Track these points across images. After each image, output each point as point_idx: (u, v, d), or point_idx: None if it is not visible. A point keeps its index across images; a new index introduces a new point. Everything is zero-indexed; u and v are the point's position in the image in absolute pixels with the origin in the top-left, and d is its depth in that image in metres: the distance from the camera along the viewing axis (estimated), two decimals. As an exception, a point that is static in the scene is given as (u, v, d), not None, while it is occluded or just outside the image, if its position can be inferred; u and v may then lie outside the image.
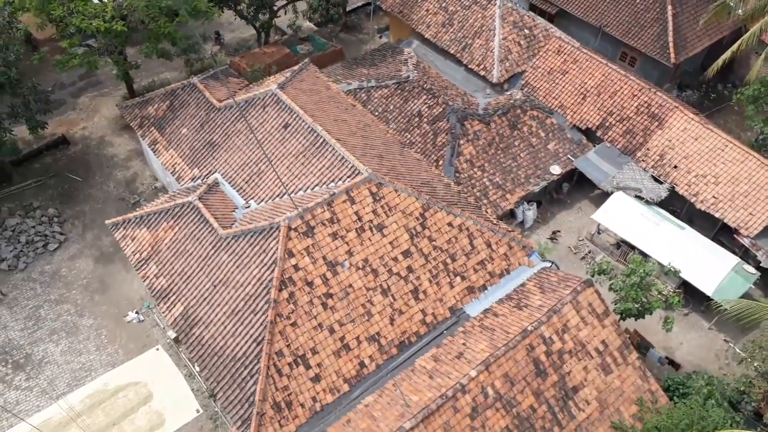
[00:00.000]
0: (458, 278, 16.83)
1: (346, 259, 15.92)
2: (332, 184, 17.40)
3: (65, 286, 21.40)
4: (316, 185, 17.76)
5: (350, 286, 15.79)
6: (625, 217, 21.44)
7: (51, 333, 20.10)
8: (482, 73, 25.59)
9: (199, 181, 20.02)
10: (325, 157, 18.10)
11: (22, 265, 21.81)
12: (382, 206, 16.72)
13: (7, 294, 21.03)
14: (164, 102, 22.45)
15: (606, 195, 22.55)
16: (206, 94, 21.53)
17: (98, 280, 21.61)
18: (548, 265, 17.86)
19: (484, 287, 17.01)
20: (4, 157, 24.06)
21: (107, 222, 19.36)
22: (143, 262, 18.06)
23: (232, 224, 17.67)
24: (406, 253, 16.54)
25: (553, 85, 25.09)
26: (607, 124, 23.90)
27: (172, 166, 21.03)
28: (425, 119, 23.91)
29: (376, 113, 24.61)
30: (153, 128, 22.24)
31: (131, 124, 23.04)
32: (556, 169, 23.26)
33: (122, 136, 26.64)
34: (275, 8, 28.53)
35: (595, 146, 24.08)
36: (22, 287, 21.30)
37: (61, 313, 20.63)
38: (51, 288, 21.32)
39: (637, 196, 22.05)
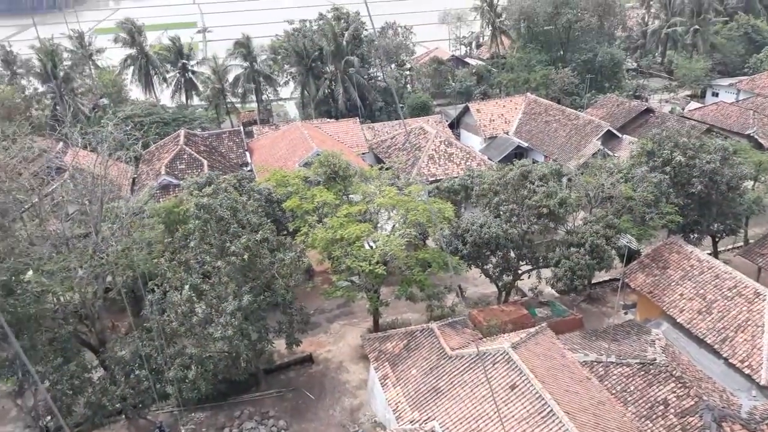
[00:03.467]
0: None
1: None
2: (554, 461, 15.80)
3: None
4: (536, 459, 16.28)
5: None
6: None
7: None
8: (747, 371, 22.36)
9: (417, 425, 19.94)
10: (550, 429, 16.79)
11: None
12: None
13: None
14: (402, 341, 23.98)
15: None
16: (441, 341, 22.50)
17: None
18: None
19: None
20: (261, 366, 27.38)
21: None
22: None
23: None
24: None
25: None
26: None
27: (396, 403, 21.51)
28: (672, 410, 21.08)
29: (614, 392, 22.58)
30: (387, 363, 23.55)
31: (369, 356, 24.78)
32: None
33: (358, 364, 28.57)
34: (519, 272, 29.96)
35: None
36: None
37: None
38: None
39: None
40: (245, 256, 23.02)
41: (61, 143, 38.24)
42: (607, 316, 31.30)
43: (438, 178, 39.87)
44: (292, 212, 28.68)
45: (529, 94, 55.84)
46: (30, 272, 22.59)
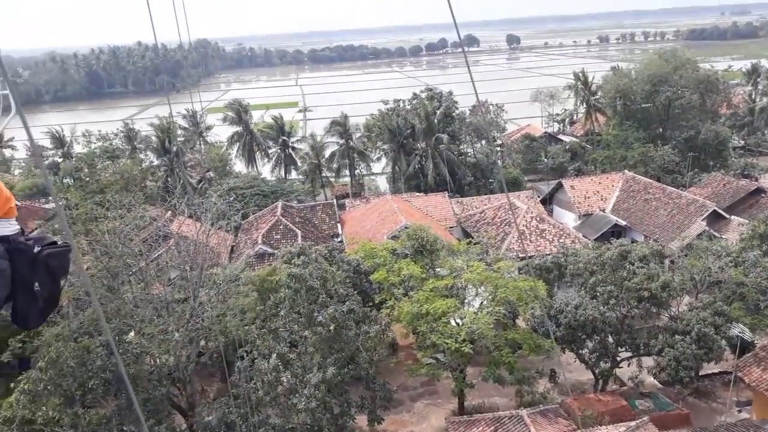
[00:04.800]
0: None
1: None
2: None
3: None
4: None
5: None
6: None
7: None
8: None
9: None
10: None
11: None
12: None
13: None
14: (489, 427, 22.74)
15: None
16: (531, 430, 21.14)
17: None
18: None
19: None
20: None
21: None
22: None
23: None
24: None
25: None
26: None
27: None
28: None
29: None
30: (471, 450, 22.32)
31: (453, 440, 23.64)
32: None
33: (440, 448, 27.33)
34: (618, 359, 28.00)
35: None
36: None
37: None
38: None
39: None
40: (331, 327, 23.15)
41: (169, 212, 41.18)
42: (718, 414, 28.28)
43: (529, 254, 38.85)
44: (379, 284, 28.78)
45: (626, 171, 54.18)
46: (131, 333, 23.85)
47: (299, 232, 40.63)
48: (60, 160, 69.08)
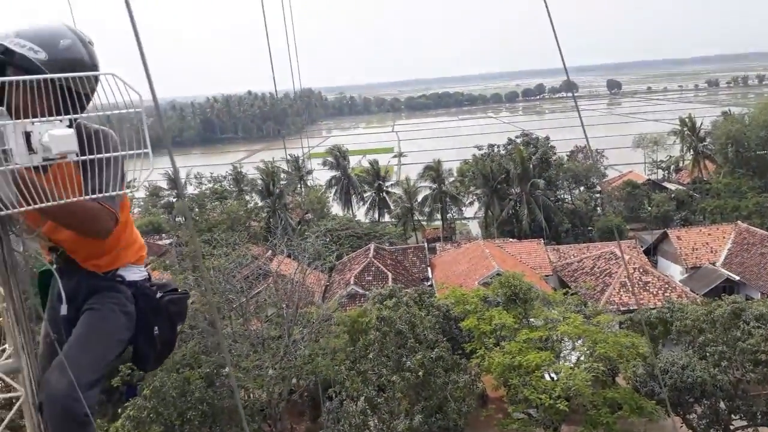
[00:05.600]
0: None
1: None
2: None
3: None
4: None
5: None
6: None
7: None
8: None
9: None
10: None
11: None
12: None
13: None
14: (584, 491, 21.32)
15: None
16: (631, 498, 19.59)
17: None
18: None
19: None
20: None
21: None
22: None
23: None
24: None
25: None
26: None
27: None
28: None
29: None
30: None
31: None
32: None
33: None
34: (731, 427, 25.50)
35: None
36: None
37: None
38: None
39: None
40: (420, 373, 22.93)
41: (269, 251, 43.09)
42: None
43: (631, 308, 36.73)
44: (469, 332, 28.24)
45: (739, 222, 50.37)
46: (227, 368, 24.86)
47: (390, 275, 40.99)
48: (174, 199, 74.56)
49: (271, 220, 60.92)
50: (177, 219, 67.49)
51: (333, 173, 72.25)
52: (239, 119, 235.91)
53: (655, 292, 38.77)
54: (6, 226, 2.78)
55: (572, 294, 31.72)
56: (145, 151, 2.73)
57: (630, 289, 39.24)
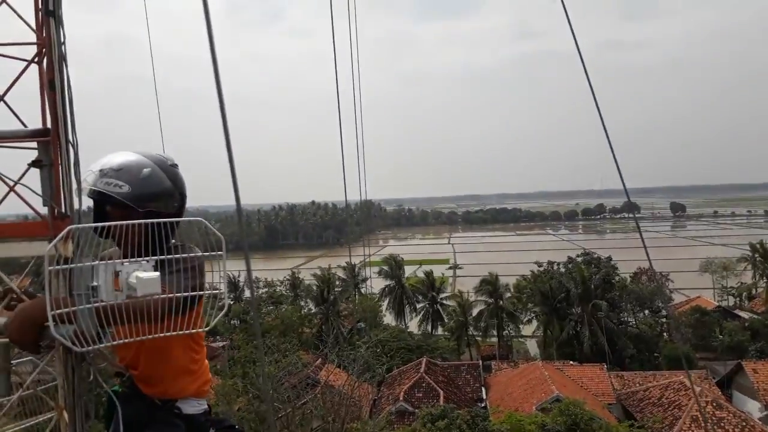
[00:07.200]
0: None
1: None
2: None
3: None
4: None
5: None
6: None
7: None
8: None
9: None
10: None
11: None
12: None
13: None
14: None
15: None
16: None
17: None
18: None
19: None
20: None
21: None
22: None
23: None
24: None
25: None
26: None
27: None
28: None
29: None
30: None
31: None
32: None
33: None
34: None
35: None
36: None
37: None
38: None
39: None
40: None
41: (319, 359, 42.60)
42: None
43: (704, 447, 33.56)
44: (526, 462, 26.38)
45: (825, 358, 46.41)
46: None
47: (442, 392, 39.40)
48: (231, 302, 76.05)
49: (323, 326, 60.78)
50: (232, 322, 68.34)
51: (387, 282, 72.29)
52: (301, 227, 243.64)
53: (730, 430, 35.42)
54: (78, 356, 2.83)
55: (639, 427, 29.52)
56: (220, 291, 2.76)
57: (702, 426, 36.02)
